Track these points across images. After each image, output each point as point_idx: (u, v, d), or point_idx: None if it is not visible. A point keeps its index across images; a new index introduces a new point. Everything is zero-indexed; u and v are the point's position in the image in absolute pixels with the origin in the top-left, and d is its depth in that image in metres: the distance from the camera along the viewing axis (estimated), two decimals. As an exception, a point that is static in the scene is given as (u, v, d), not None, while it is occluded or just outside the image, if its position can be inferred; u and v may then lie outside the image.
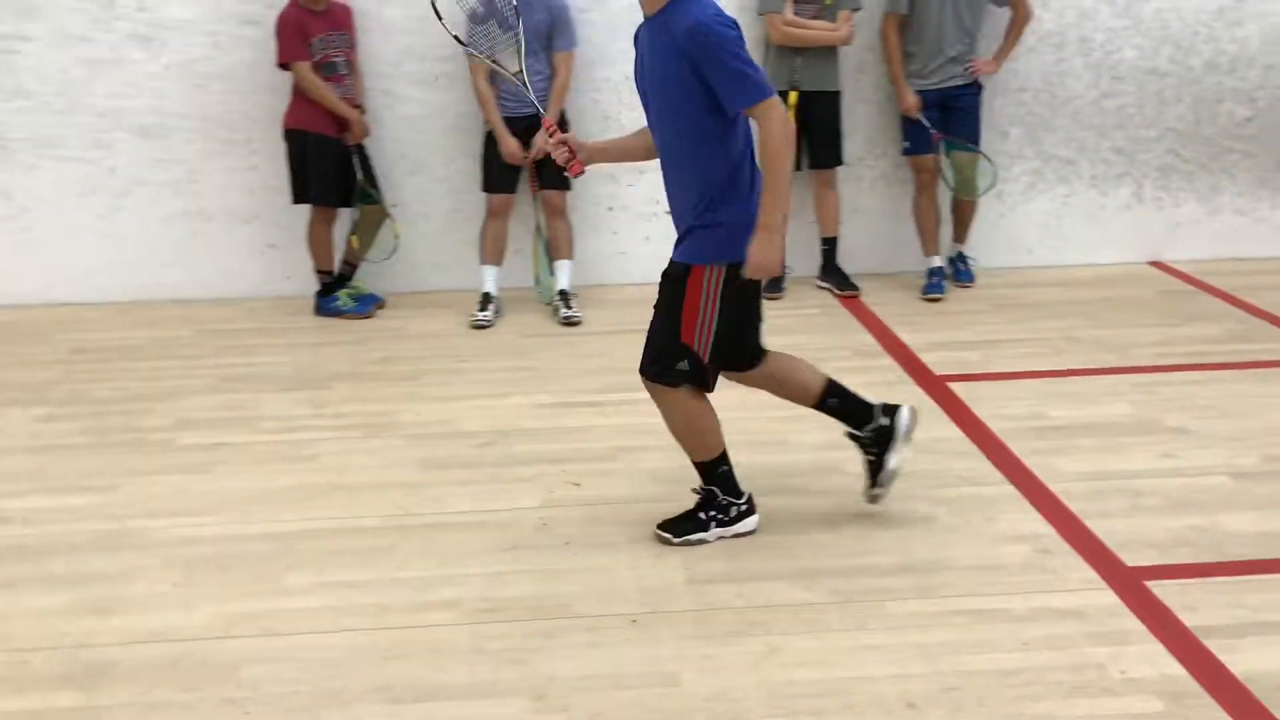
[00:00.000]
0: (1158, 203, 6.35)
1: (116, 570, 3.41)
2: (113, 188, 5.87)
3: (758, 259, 3.17)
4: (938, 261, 5.89)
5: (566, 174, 3.59)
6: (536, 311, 5.76)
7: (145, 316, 5.78)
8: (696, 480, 3.51)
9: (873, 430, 3.50)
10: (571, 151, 3.44)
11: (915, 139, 5.81)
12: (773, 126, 3.07)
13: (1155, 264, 6.35)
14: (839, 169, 5.96)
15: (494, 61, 3.90)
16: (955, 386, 4.69)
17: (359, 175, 5.61)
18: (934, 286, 5.80)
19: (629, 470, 3.99)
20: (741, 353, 3.43)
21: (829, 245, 6.02)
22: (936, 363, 4.96)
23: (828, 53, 5.73)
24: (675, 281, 3.31)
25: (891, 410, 3.52)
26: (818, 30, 5.65)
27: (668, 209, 3.41)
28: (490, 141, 5.67)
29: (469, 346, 5.31)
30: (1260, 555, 3.35)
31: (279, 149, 5.63)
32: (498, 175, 5.69)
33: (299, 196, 5.62)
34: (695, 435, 3.44)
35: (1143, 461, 3.97)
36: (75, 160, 5.83)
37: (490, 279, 5.72)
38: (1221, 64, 6.20)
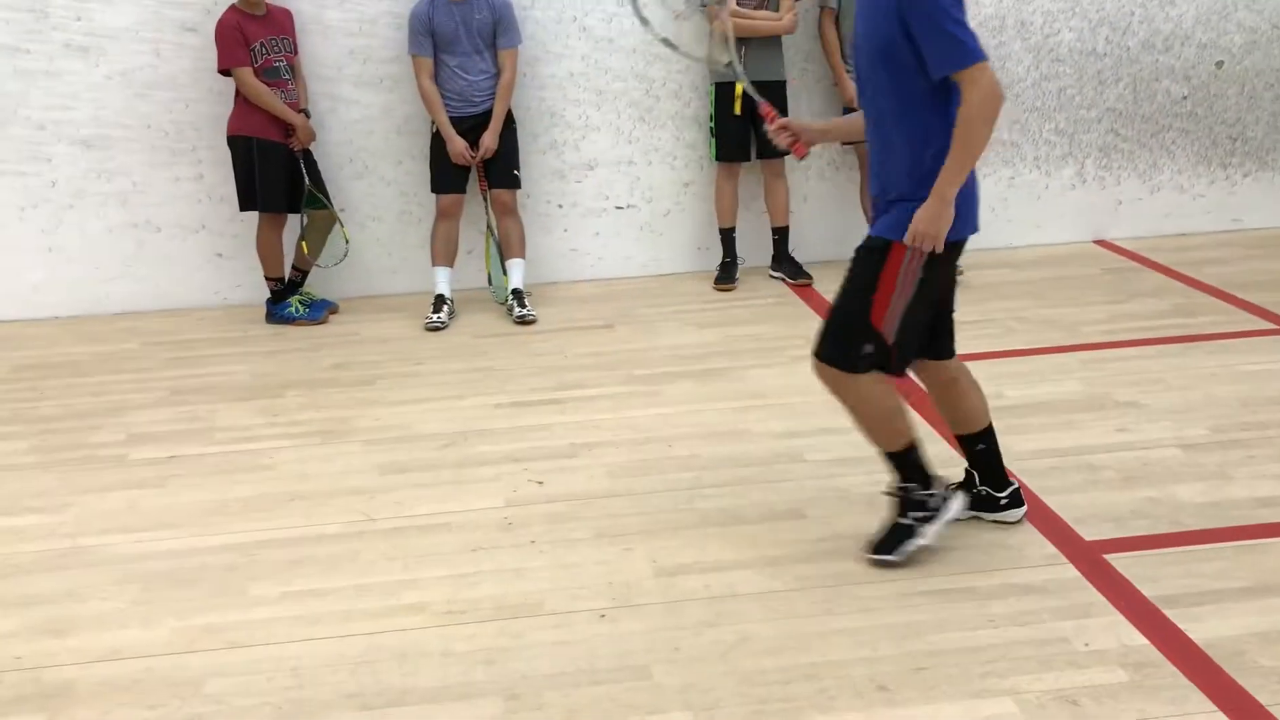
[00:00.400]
0: (1100, 182, 6.45)
1: (70, 589, 3.35)
2: (55, 201, 5.77)
3: (922, 227, 2.99)
4: None
5: (791, 154, 3.45)
6: (491, 311, 5.74)
7: (91, 331, 5.68)
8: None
9: (1009, 496, 3.42)
10: (794, 135, 3.37)
11: None
12: (977, 95, 2.86)
13: (1100, 242, 6.45)
14: (787, 158, 5.99)
15: (699, 58, 3.91)
16: (910, 371, 4.72)
17: (306, 180, 5.55)
18: None
19: (590, 466, 3.99)
20: (926, 338, 3.24)
21: (780, 235, 6.05)
22: (891, 348, 5.00)
23: (772, 43, 5.75)
24: (871, 256, 3.10)
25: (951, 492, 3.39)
26: (761, 20, 5.67)
27: (876, 193, 3.16)
28: (438, 142, 5.64)
29: (424, 349, 5.28)
30: (1212, 524, 3.42)
31: (225, 156, 5.56)
32: (446, 176, 5.66)
33: (246, 204, 5.56)
34: (885, 422, 3.21)
35: (1096, 437, 4.04)
36: (13, 174, 5.71)
37: (443, 280, 5.69)
38: (1157, 43, 6.31)
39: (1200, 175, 6.53)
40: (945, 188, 2.95)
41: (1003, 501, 3.43)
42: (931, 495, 3.26)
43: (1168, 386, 4.45)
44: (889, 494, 3.30)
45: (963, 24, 2.88)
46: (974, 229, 3.15)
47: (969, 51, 2.86)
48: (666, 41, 3.98)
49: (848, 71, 5.79)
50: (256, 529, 3.65)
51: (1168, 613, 2.99)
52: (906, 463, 3.25)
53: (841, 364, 3.15)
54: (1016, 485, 3.45)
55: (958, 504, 3.30)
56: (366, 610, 3.18)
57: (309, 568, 3.41)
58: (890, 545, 3.25)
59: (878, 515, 3.55)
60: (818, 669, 2.84)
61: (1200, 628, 2.92)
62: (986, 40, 6.14)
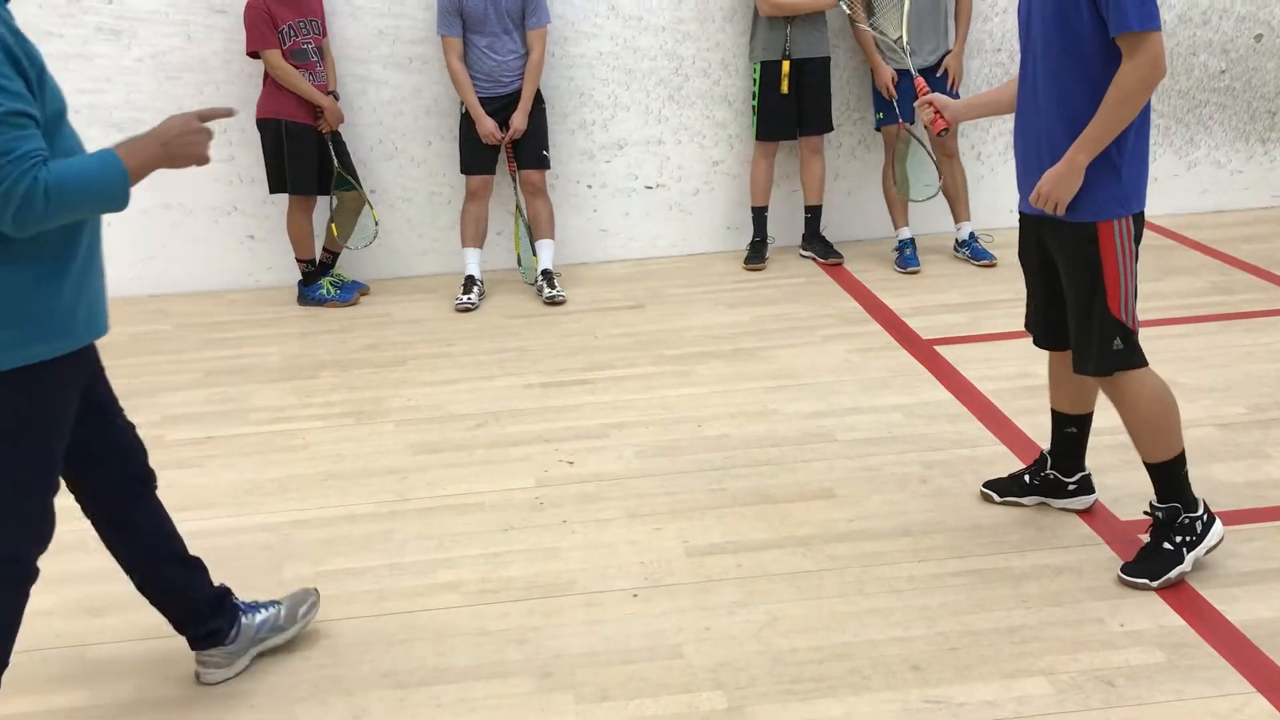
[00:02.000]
0: (1135, 158, 6.36)
1: (107, 569, 3.34)
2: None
3: (1047, 188, 2.88)
4: (907, 233, 5.83)
5: (931, 131, 3.36)
6: (521, 292, 5.75)
7: (125, 313, 5.72)
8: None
9: (1078, 482, 3.39)
10: (937, 111, 3.33)
11: (887, 110, 5.79)
12: (1140, 62, 2.74)
13: (1135, 220, 6.36)
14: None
15: (876, 29, 3.89)
16: (943, 350, 4.71)
17: (335, 162, 5.57)
18: (907, 260, 5.74)
19: (620, 446, 3.99)
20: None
21: (812, 213, 6.00)
22: (923, 327, 4.97)
23: (816, 18, 5.69)
24: (1081, 247, 2.93)
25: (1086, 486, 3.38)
26: None
27: (1031, 160, 3.00)
28: (467, 123, 5.64)
29: (455, 330, 5.29)
30: (1249, 505, 3.38)
31: (256, 139, 5.58)
32: (475, 156, 5.66)
33: (276, 186, 5.58)
34: (1166, 425, 3.00)
35: (1131, 416, 4.00)
36: (47, 158, 5.76)
37: (473, 261, 5.70)
38: (1194, 17, 6.20)
39: (1238, 150, 6.43)
40: (1080, 152, 2.83)
41: (1071, 487, 3.38)
42: (1199, 518, 3.04)
43: (1205, 365, 4.40)
44: (1149, 514, 3.07)
45: None
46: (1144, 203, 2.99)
47: (1150, 16, 2.76)
48: (852, 18, 3.91)
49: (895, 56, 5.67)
50: (291, 509, 3.68)
51: (1204, 593, 2.96)
52: (1175, 477, 3.02)
53: (1096, 369, 3.00)
54: (1087, 472, 3.39)
55: (1219, 529, 3.05)
56: (400, 589, 3.20)
57: (343, 547, 3.44)
58: (1152, 571, 2.99)
59: (908, 494, 3.55)
60: (850, 649, 2.83)
61: (1238, 608, 2.90)
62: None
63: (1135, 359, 2.99)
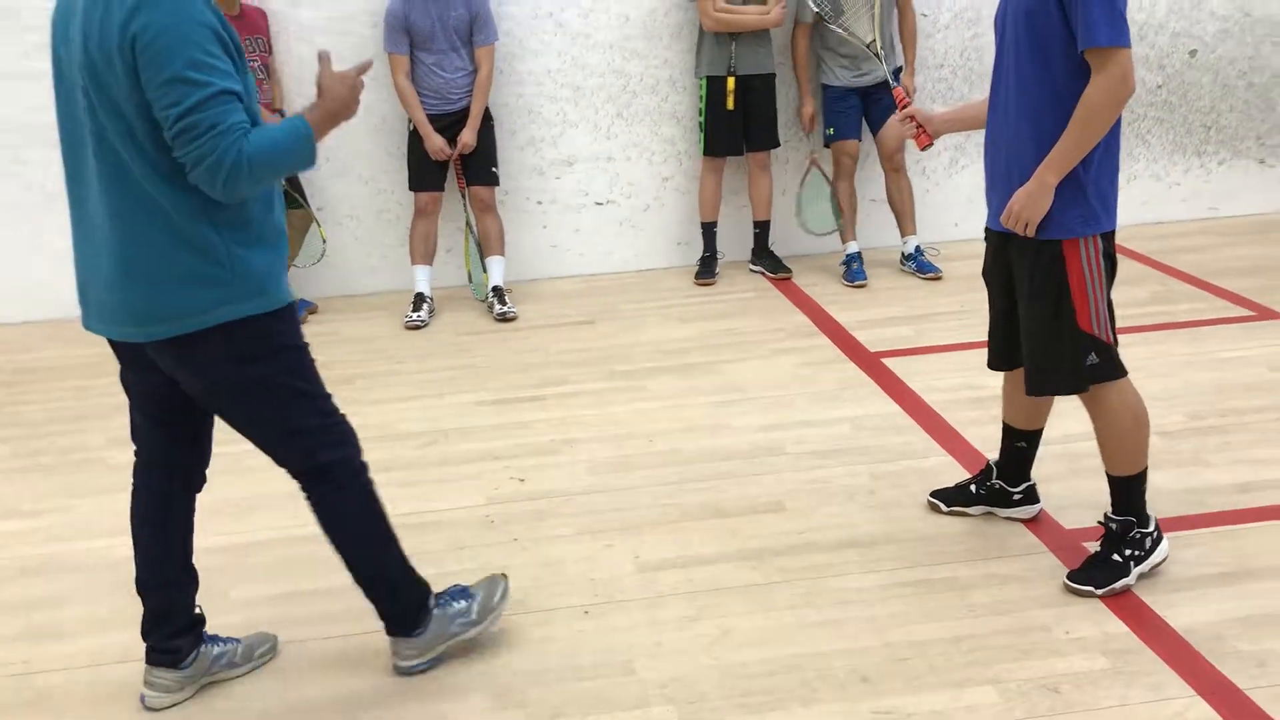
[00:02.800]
0: (1077, 172, 6.48)
1: (56, 594, 3.34)
2: (32, 204, 5.73)
3: (1018, 208, 2.87)
4: (854, 247, 5.91)
5: (916, 146, 3.35)
6: (471, 309, 5.74)
7: (69, 335, 5.64)
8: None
9: (1024, 491, 3.43)
10: (919, 124, 3.31)
11: (837, 126, 5.86)
12: (1108, 79, 2.74)
13: (1077, 232, 6.47)
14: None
15: (846, 30, 3.87)
16: (889, 362, 4.76)
17: (282, 180, 5.52)
18: (854, 274, 5.80)
19: (572, 463, 3.99)
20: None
21: (761, 228, 6.06)
22: (870, 340, 5.03)
23: (761, 36, 5.76)
24: (1045, 265, 2.93)
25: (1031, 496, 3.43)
26: (749, 14, 5.67)
27: (1001, 175, 3.01)
28: (415, 139, 5.63)
29: (404, 348, 5.27)
30: (1188, 511, 3.45)
31: (199, 157, 5.53)
32: (424, 173, 5.65)
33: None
34: (1138, 439, 3.02)
35: (1076, 425, 4.02)
36: (-12, 177, 5.68)
37: (422, 279, 5.68)
38: (1131, 33, 6.32)
39: (1176, 163, 6.57)
40: (1049, 171, 2.83)
41: (1016, 497, 3.42)
42: (1150, 534, 3.09)
43: (1147, 374, 4.46)
44: (1103, 524, 3.12)
45: (1119, 1, 2.76)
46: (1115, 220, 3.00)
47: (1120, 31, 2.74)
48: (821, 16, 3.91)
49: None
50: (242, 530, 3.65)
51: (1146, 599, 3.01)
52: (1135, 492, 3.07)
53: (1070, 388, 3.00)
54: (1033, 482, 3.43)
55: (1165, 548, 3.11)
56: (350, 610, 3.16)
57: (295, 568, 3.41)
58: (1098, 580, 3.03)
59: (857, 506, 3.58)
60: (800, 661, 2.85)
61: (1179, 614, 2.95)
62: (961, 31, 6.18)
63: (1115, 370, 3.01)
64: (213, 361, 2.55)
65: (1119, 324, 5.04)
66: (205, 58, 2.32)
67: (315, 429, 2.70)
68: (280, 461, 2.76)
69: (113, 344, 2.69)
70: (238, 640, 2.95)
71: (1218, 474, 3.67)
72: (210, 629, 2.96)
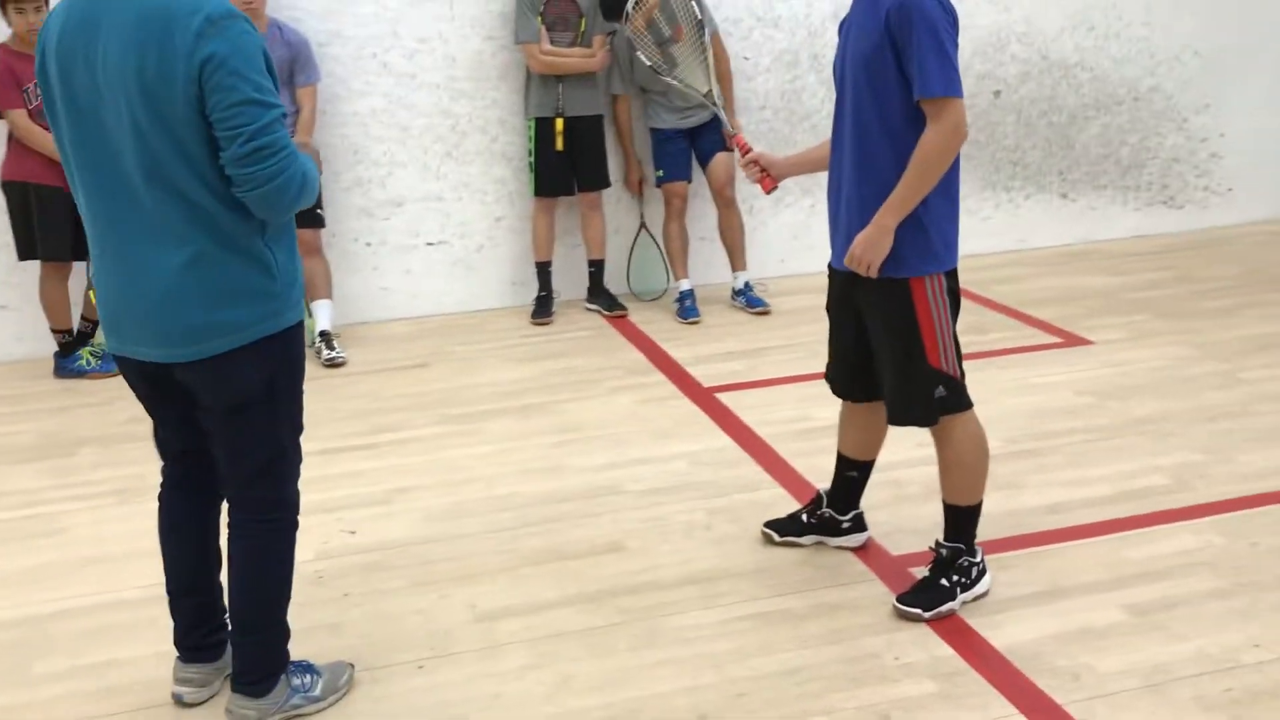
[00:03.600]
0: (895, 207, 6.74)
1: None
2: None
3: (859, 251, 2.96)
4: (687, 285, 6.01)
5: (763, 190, 3.38)
6: (299, 355, 5.56)
7: None
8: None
9: (852, 520, 3.51)
10: (763, 169, 3.29)
11: (668, 168, 5.96)
12: (942, 128, 2.85)
13: (898, 265, 6.72)
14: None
15: (682, 82, 3.78)
16: (723, 396, 4.83)
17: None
18: (688, 310, 5.89)
19: (405, 512, 3.90)
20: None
21: (596, 267, 6.09)
22: (704, 375, 5.09)
23: (588, 78, 5.80)
24: (895, 304, 3.02)
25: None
26: (575, 57, 5.71)
27: (845, 216, 3.08)
28: (235, 183, 5.45)
29: (229, 397, 5.06)
30: (1008, 533, 3.59)
31: (0, 203, 5.24)
32: (246, 217, 5.47)
33: (25, 252, 5.24)
34: (979, 471, 3.15)
35: (900, 453, 4.17)
36: None
37: (247, 325, 5.48)
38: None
39: (986, 199, 6.90)
40: (887, 215, 2.92)
41: (845, 525, 3.49)
42: (976, 564, 3.21)
43: (964, 401, 4.66)
44: (935, 549, 3.21)
45: (951, 53, 2.87)
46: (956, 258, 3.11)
47: (952, 83, 2.85)
48: (655, 69, 3.91)
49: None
50: (46, 600, 3.42)
51: (970, 621, 3.12)
52: (969, 522, 3.19)
53: (922, 420, 3.09)
54: (860, 510, 3.51)
55: (988, 580, 3.24)
56: (169, 679, 3.01)
57: (106, 637, 3.21)
58: (926, 602, 3.12)
59: (695, 542, 3.60)
60: (641, 703, 2.84)
61: (1001, 634, 3.06)
62: (781, 74, 6.37)
63: (961, 402, 3.11)
64: (247, 376, 2.62)
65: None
66: (266, 81, 2.46)
67: (292, 457, 2.81)
68: (245, 486, 2.75)
69: (135, 367, 2.67)
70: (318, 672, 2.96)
71: (1033, 496, 3.84)
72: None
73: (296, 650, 2.90)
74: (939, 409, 3.08)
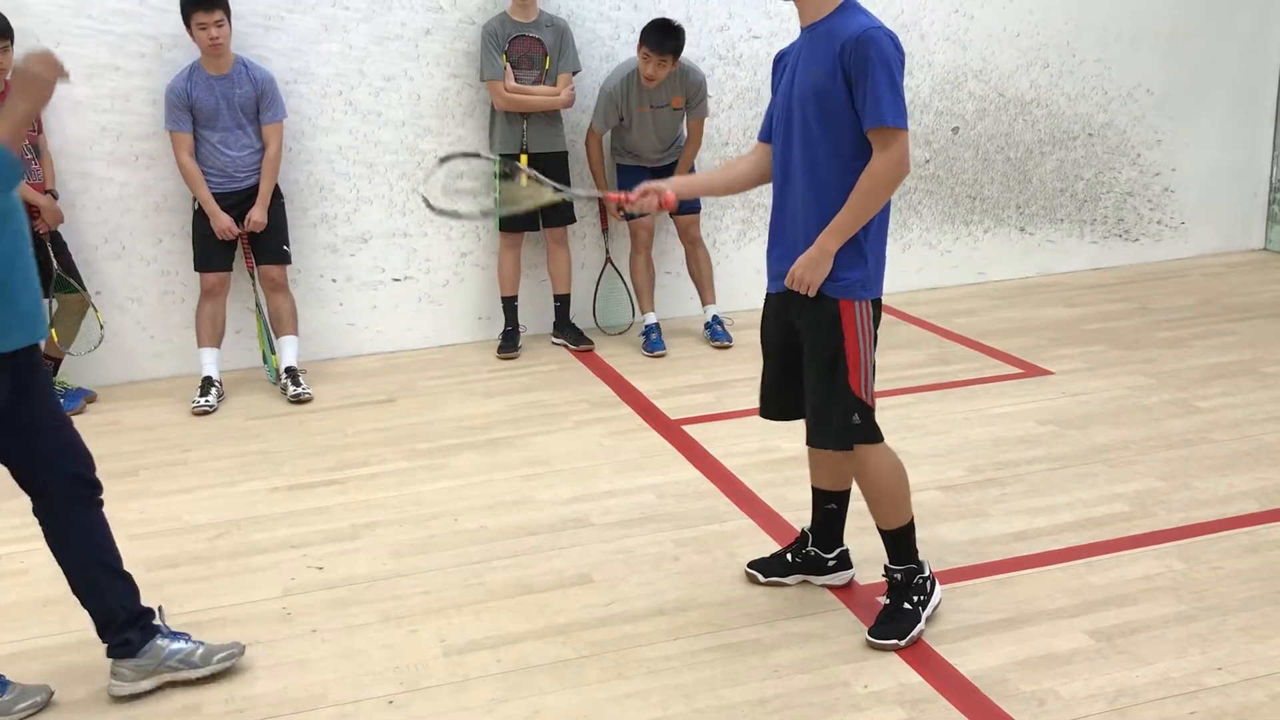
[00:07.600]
0: (858, 241, 6.82)
1: None
2: None
3: (800, 272, 3.05)
4: (653, 318, 6.06)
5: (668, 210, 3.37)
6: (263, 392, 5.54)
7: None
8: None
9: (837, 557, 3.50)
10: (657, 193, 3.29)
11: None
12: (890, 157, 2.93)
13: (861, 298, 6.80)
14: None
15: (535, 176, 3.78)
16: (690, 429, 4.86)
17: (55, 264, 5.24)
18: (654, 344, 5.93)
19: (373, 547, 3.89)
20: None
21: (562, 302, 6.12)
22: (671, 408, 5.12)
23: (553, 116, 5.85)
24: (825, 324, 3.09)
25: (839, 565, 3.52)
26: (540, 95, 5.76)
27: (787, 247, 3.15)
28: (200, 219, 5.44)
29: (192, 435, 5.04)
30: (972, 561, 3.63)
31: (-40, 240, 5.19)
32: (210, 253, 5.47)
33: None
34: (901, 495, 3.20)
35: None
36: None
37: (210, 362, 5.47)
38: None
39: (946, 232, 7.01)
40: (830, 239, 3.01)
41: (831, 563, 3.51)
42: (927, 579, 3.27)
43: (927, 432, 4.72)
44: (887, 577, 3.26)
45: (900, 88, 2.94)
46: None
47: (900, 116, 2.93)
48: (454, 213, 3.80)
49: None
50: (9, 640, 3.38)
51: (938, 649, 3.14)
52: (907, 542, 3.24)
53: (836, 444, 3.15)
54: (845, 548, 3.53)
55: (939, 591, 3.30)
56: (135, 718, 2.98)
57: (70, 678, 3.17)
58: (899, 631, 3.16)
59: (662, 574, 3.61)
60: (611, 735, 2.84)
61: (967, 660, 3.09)
62: (744, 111, 6.46)
63: (873, 434, 3.16)
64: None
65: (902, 385, 5.33)
66: None
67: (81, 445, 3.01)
68: (60, 468, 2.96)
69: None
70: (200, 642, 3.13)
71: (996, 524, 3.89)
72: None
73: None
74: (854, 435, 3.13)
